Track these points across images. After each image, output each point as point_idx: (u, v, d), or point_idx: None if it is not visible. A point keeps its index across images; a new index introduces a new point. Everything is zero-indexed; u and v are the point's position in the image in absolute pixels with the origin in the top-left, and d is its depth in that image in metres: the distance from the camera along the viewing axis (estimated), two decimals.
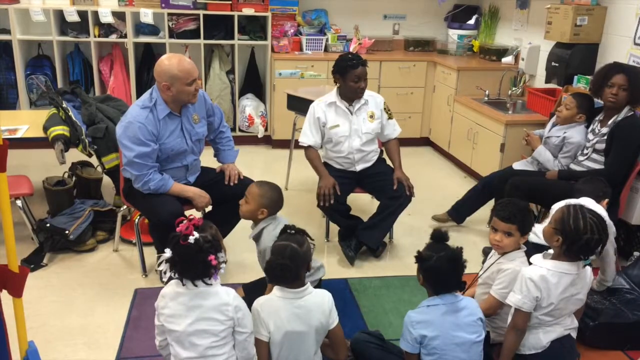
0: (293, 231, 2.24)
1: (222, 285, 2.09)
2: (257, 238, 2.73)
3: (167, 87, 2.89)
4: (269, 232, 2.66)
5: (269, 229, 2.67)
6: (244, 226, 3.36)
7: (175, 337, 2.04)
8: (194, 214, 2.27)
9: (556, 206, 2.50)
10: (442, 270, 2.13)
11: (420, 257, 2.18)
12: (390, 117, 3.59)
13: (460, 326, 2.13)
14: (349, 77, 3.33)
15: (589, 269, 2.33)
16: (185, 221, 2.02)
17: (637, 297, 2.89)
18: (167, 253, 2.02)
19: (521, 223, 2.40)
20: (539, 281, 2.20)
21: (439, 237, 2.20)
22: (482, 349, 2.20)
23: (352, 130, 3.45)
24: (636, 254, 3.31)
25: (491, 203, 3.73)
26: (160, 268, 2.06)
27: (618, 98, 3.28)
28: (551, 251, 2.31)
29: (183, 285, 2.03)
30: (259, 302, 2.16)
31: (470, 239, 3.25)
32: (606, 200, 2.87)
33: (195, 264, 1.99)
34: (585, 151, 3.43)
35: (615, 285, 2.96)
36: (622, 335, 2.75)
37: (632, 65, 3.65)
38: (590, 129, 3.48)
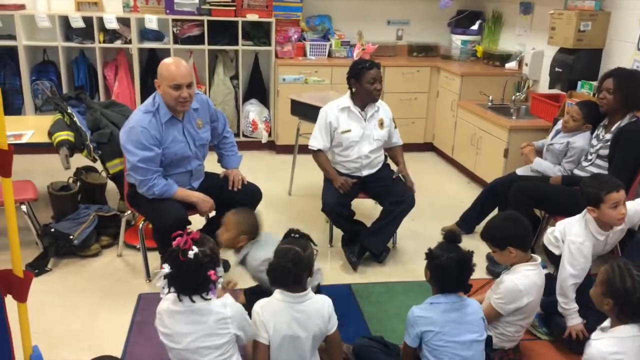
0: (297, 235, 2.25)
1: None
2: (243, 263, 2.72)
3: (158, 86, 2.94)
4: (253, 256, 2.65)
5: (252, 253, 2.66)
6: None
7: (176, 354, 2.03)
8: (195, 222, 2.26)
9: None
10: (450, 270, 2.19)
11: (430, 255, 2.24)
12: (395, 127, 3.65)
13: (461, 324, 2.18)
14: (365, 78, 3.34)
15: None
16: (183, 235, 1.99)
17: None
18: (166, 268, 1.99)
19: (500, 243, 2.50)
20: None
21: (451, 238, 2.26)
22: (483, 348, 2.22)
23: (363, 135, 3.46)
24: None
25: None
26: (159, 284, 2.02)
27: (606, 102, 3.31)
28: (607, 323, 2.05)
29: (180, 301, 2.00)
30: (259, 304, 2.17)
31: (475, 244, 3.24)
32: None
33: (195, 279, 1.98)
34: (590, 157, 3.42)
35: None
36: None
37: (632, 69, 3.64)
38: (594, 134, 3.47)
